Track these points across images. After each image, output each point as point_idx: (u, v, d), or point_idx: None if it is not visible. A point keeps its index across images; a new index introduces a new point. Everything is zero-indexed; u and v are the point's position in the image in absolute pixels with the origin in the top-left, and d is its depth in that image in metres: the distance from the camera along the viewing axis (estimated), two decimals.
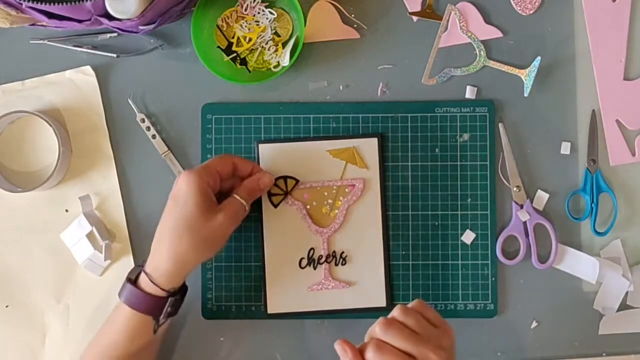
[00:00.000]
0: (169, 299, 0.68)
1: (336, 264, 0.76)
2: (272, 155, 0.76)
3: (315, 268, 0.76)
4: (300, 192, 0.76)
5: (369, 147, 0.76)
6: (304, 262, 0.76)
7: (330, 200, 0.75)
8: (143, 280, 0.68)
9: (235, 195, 0.70)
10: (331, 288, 0.75)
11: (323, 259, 0.76)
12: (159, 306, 0.68)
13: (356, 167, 0.76)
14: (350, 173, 0.76)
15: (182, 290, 0.71)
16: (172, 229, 0.67)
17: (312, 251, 0.76)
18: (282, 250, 0.76)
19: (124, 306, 0.68)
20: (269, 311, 0.76)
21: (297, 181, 0.75)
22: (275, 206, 0.75)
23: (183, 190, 0.67)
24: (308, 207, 0.76)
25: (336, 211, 0.75)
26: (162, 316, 0.69)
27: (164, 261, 0.67)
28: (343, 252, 0.76)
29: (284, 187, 0.75)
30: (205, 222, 0.67)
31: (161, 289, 0.67)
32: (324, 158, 0.76)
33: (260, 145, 0.76)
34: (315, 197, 0.76)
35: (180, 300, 0.71)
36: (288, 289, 0.76)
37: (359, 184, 0.75)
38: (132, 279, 0.69)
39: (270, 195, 0.75)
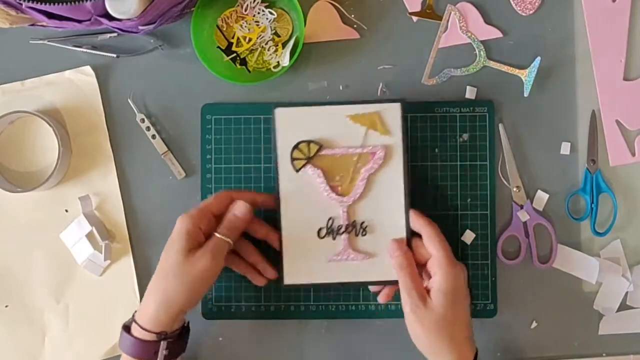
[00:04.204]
0: (162, 342, 0.68)
1: (356, 235, 0.72)
2: (290, 120, 0.72)
3: (334, 238, 0.72)
4: (320, 159, 0.72)
5: (391, 112, 0.71)
6: (323, 231, 0.72)
7: (351, 169, 0.72)
8: (133, 325, 0.68)
9: (216, 234, 0.69)
10: (351, 259, 0.72)
11: (343, 229, 0.72)
12: (152, 350, 0.68)
13: (378, 134, 0.72)
14: (372, 140, 0.72)
15: (180, 332, 0.70)
16: (161, 271, 0.68)
17: (331, 221, 0.72)
18: (300, 218, 0.72)
19: (124, 354, 0.69)
20: (286, 282, 0.72)
21: (320, 146, 0.72)
22: (297, 170, 0.72)
23: (175, 234, 0.68)
24: (328, 174, 0.72)
25: (357, 180, 0.72)
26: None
27: (150, 304, 0.67)
28: (364, 222, 0.72)
29: (307, 151, 0.72)
30: (190, 265, 0.67)
31: (150, 332, 0.67)
32: (345, 123, 0.72)
33: (277, 110, 0.72)
34: (336, 165, 0.72)
35: (181, 343, 0.71)
36: (306, 260, 0.72)
37: (380, 151, 0.71)
38: (128, 326, 0.69)
39: (292, 159, 0.72)
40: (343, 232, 0.72)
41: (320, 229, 0.72)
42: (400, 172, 0.72)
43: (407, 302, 0.67)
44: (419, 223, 0.70)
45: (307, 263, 0.73)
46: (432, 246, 0.68)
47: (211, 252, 0.67)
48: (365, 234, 0.72)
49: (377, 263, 0.72)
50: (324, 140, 0.72)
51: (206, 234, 0.69)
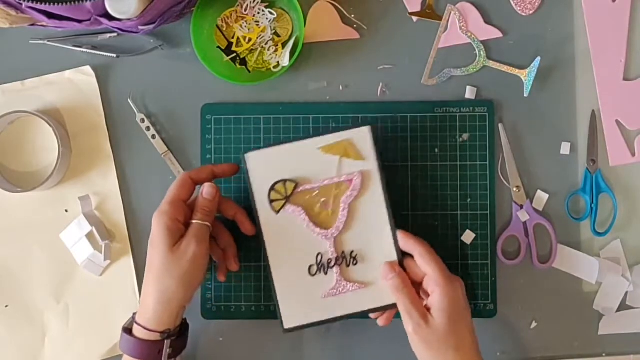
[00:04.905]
0: (165, 341, 0.68)
1: (347, 265, 0.72)
2: (262, 163, 0.71)
3: (326, 273, 0.71)
4: (298, 197, 0.71)
5: (362, 137, 0.71)
6: (314, 268, 0.71)
7: (330, 201, 0.72)
8: (135, 327, 0.69)
9: (193, 221, 0.69)
10: (346, 291, 0.72)
11: (333, 262, 0.71)
12: (156, 350, 0.68)
13: (352, 160, 0.71)
14: (347, 167, 0.71)
15: (181, 329, 0.71)
16: (151, 272, 0.68)
17: (320, 256, 0.71)
18: (288, 258, 0.72)
19: (125, 356, 0.69)
20: (286, 327, 0.72)
21: (296, 184, 0.71)
22: (277, 212, 0.71)
23: (154, 233, 0.68)
24: (308, 211, 0.72)
25: (338, 211, 0.71)
26: (163, 359, 0.69)
27: (150, 305, 0.67)
28: (353, 252, 0.72)
29: (284, 191, 0.71)
30: (179, 258, 0.67)
31: (153, 332, 0.68)
32: (317, 156, 0.71)
33: (248, 155, 0.71)
34: (314, 200, 0.71)
35: (183, 339, 0.71)
36: (302, 299, 0.72)
37: (356, 178, 0.71)
38: (128, 328, 0.69)
39: (270, 202, 0.71)
40: (334, 265, 0.71)
41: (310, 266, 0.72)
42: (381, 196, 0.71)
43: (409, 323, 0.67)
44: (409, 244, 0.70)
45: (303, 302, 0.72)
46: (426, 265, 0.68)
47: (195, 239, 0.68)
48: (356, 263, 0.72)
49: (373, 290, 0.72)
50: (300, 177, 0.71)
51: (184, 222, 0.69)
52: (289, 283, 0.72)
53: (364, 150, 0.71)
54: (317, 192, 0.71)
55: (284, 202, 0.71)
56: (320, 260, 0.72)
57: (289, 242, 0.72)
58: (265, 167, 0.71)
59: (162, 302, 0.67)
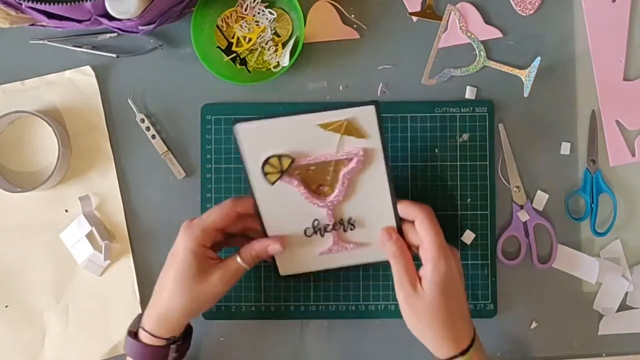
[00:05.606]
0: (171, 346, 0.69)
1: (345, 230, 0.70)
2: (254, 135, 0.65)
3: (322, 235, 0.70)
4: (294, 169, 0.67)
5: (366, 116, 0.65)
6: (310, 231, 0.70)
7: (329, 176, 0.68)
8: (141, 332, 0.69)
9: (238, 258, 0.68)
10: (343, 250, 0.70)
11: (330, 227, 0.69)
12: (161, 354, 0.68)
13: (354, 138, 0.66)
14: (349, 145, 0.66)
15: (185, 333, 0.71)
16: (166, 284, 0.68)
17: (316, 221, 0.69)
18: (284, 222, 0.69)
19: (129, 358, 0.69)
20: (281, 273, 0.72)
21: (292, 159, 0.66)
22: (272, 184, 0.67)
23: (180, 250, 0.67)
24: (305, 183, 0.68)
25: (337, 183, 0.68)
26: None
27: (160, 312, 0.67)
28: (351, 219, 0.69)
29: (279, 165, 0.66)
30: (199, 282, 0.67)
31: (159, 338, 0.68)
32: (316, 132, 0.65)
33: (237, 127, 0.64)
34: (312, 174, 0.68)
35: (186, 343, 0.72)
36: (297, 254, 0.70)
37: (359, 154, 0.66)
38: (133, 332, 0.69)
39: (265, 174, 0.67)
40: (331, 230, 0.70)
41: (306, 229, 0.70)
42: (383, 170, 0.68)
43: (401, 292, 0.67)
44: (411, 210, 0.68)
45: (298, 256, 0.71)
46: (424, 231, 0.67)
47: (226, 275, 0.67)
48: (353, 228, 0.70)
49: (370, 248, 0.71)
50: (296, 152, 0.66)
51: (213, 247, 0.69)
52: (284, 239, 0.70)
53: (367, 128, 0.66)
54: (315, 167, 0.68)
55: (279, 175, 0.67)
56: (317, 225, 0.70)
57: (285, 210, 0.69)
58: (258, 140, 0.65)
59: (169, 313, 0.67)
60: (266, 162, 0.66)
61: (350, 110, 0.65)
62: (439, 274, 0.65)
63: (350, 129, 0.66)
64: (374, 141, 0.66)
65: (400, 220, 0.70)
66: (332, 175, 0.68)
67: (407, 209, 0.69)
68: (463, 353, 0.66)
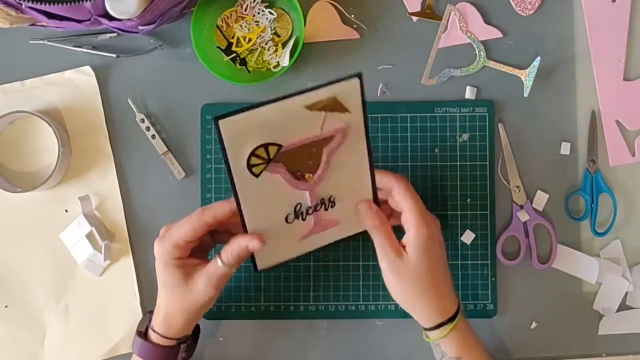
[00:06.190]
0: (181, 346, 0.69)
1: (326, 209, 0.68)
2: (239, 129, 0.60)
3: (304, 219, 0.67)
4: (280, 156, 0.64)
5: (351, 89, 0.63)
6: (291, 217, 0.67)
7: (311, 158, 0.65)
8: (151, 333, 0.69)
9: (218, 261, 0.65)
10: (323, 231, 0.69)
11: (312, 210, 0.67)
12: (171, 354, 0.69)
13: (337, 114, 0.63)
14: (331, 121, 0.64)
15: (194, 332, 0.71)
16: (163, 291, 0.68)
17: (299, 205, 0.67)
18: (266, 213, 0.66)
19: (135, 356, 0.69)
20: (259, 268, 0.68)
21: (280, 146, 0.63)
22: (257, 176, 0.64)
23: (158, 263, 0.66)
24: (289, 166, 0.65)
25: (320, 162, 0.65)
26: None
27: (166, 318, 0.68)
28: (331, 197, 0.67)
29: (266, 155, 0.63)
30: (187, 291, 0.66)
31: (169, 339, 0.68)
32: (302, 115, 0.62)
33: (222, 122, 0.58)
34: (296, 156, 0.64)
35: (195, 342, 0.72)
36: (277, 245, 0.68)
37: (341, 129, 0.64)
38: (142, 332, 0.70)
39: (250, 167, 0.63)
40: (312, 212, 0.68)
41: (287, 215, 0.67)
42: (364, 144, 0.66)
43: (384, 259, 0.66)
44: (387, 180, 0.67)
45: (278, 246, 0.69)
46: (403, 201, 0.66)
47: (211, 280, 0.65)
48: (333, 205, 0.68)
49: (348, 222, 0.70)
50: (282, 138, 0.63)
51: (201, 248, 0.68)
52: (264, 232, 0.67)
53: (350, 102, 0.64)
54: (299, 150, 0.65)
55: (265, 164, 0.63)
56: (299, 209, 0.68)
57: (268, 199, 0.66)
58: (242, 133, 0.61)
59: (174, 319, 0.68)
60: (252, 153, 0.63)
61: (337, 86, 0.63)
62: (422, 237, 0.65)
63: (336, 105, 0.64)
64: (356, 114, 0.65)
65: (376, 190, 0.69)
66: (315, 155, 0.66)
67: (385, 178, 0.68)
68: (451, 319, 0.66)
